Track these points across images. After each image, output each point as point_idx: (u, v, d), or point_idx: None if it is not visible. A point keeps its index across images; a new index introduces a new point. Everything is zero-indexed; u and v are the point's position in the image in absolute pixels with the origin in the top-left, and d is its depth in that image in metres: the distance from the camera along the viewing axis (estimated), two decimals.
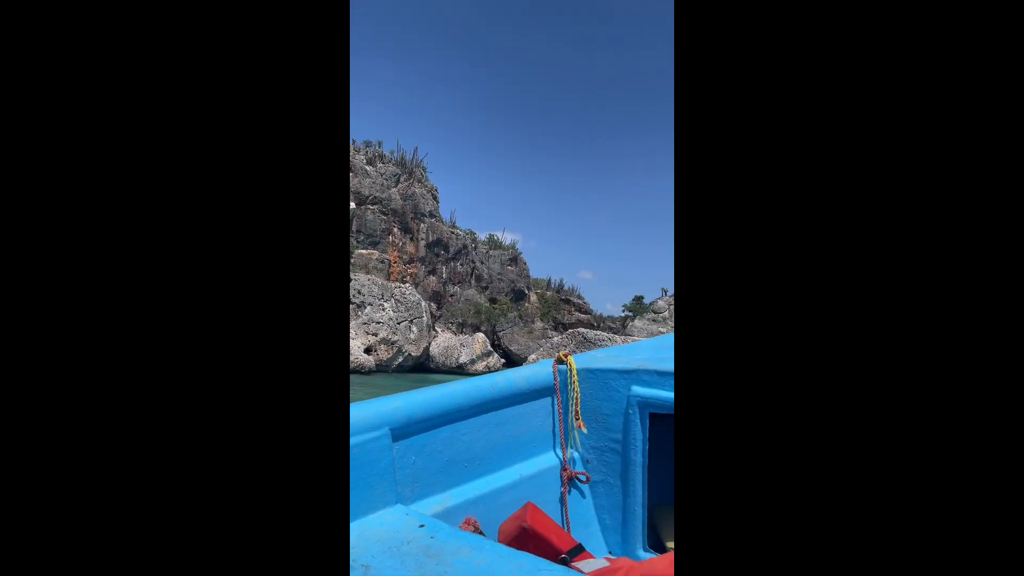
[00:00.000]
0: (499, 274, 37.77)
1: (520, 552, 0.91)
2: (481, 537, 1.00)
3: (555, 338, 17.66)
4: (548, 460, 1.63)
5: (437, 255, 25.53)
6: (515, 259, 37.82)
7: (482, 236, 39.24)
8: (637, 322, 26.48)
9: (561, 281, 44.04)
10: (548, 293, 41.76)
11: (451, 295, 33.21)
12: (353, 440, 1.10)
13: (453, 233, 33.27)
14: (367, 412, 1.15)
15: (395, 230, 23.97)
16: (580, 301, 42.04)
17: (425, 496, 1.26)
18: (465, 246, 34.84)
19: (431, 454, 1.27)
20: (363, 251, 22.66)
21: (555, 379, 1.68)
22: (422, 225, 25.20)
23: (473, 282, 35.90)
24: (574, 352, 2.10)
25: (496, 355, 20.07)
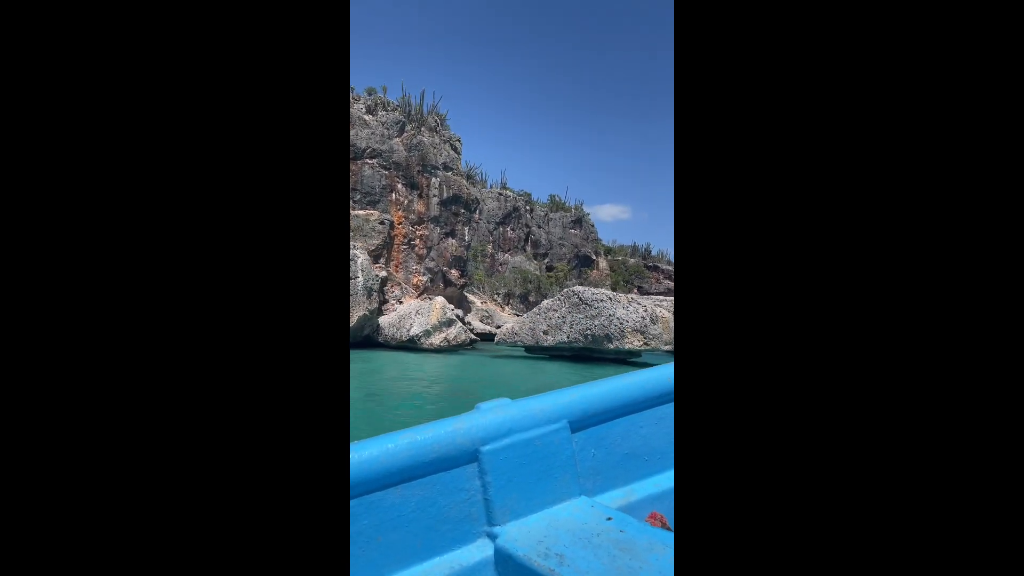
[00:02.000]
0: (560, 239, 33.93)
1: None
2: (673, 534, 0.97)
3: (545, 301, 13.77)
4: None
5: (456, 214, 22.42)
6: (579, 221, 33.68)
7: (542, 199, 35.36)
8: None
9: (648, 246, 39.04)
10: (632, 260, 37.13)
11: (501, 264, 30.09)
12: (535, 432, 1.10)
13: (483, 190, 29.91)
14: (545, 404, 1.14)
15: (398, 186, 21.20)
16: (671, 267, 36.83)
17: (608, 489, 1.18)
18: (516, 208, 31.37)
19: (610, 447, 1.20)
20: (360, 212, 20.26)
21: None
22: (434, 179, 22.11)
23: (529, 248, 32.47)
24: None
25: (460, 325, 16.45)
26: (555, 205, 34.06)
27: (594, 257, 33.48)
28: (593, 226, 34.49)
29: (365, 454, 0.95)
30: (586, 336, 12.87)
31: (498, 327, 19.95)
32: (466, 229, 23.10)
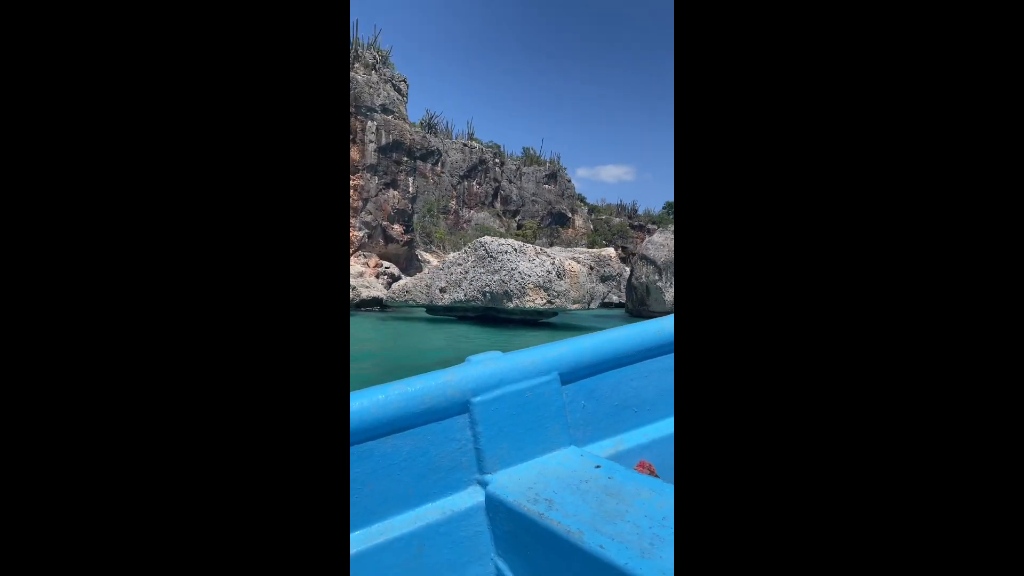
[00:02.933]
0: (533, 195, 31.73)
1: None
2: (660, 480, 1.01)
3: (451, 254, 11.85)
4: None
5: (398, 163, 20.31)
6: (554, 176, 31.40)
7: (515, 153, 33.01)
8: (657, 236, 19.27)
9: (635, 204, 36.71)
10: (616, 220, 34.89)
11: (466, 221, 28.10)
12: (525, 384, 1.12)
13: (446, 141, 27.67)
14: (535, 357, 1.15)
15: None
16: (656, 228, 34.55)
17: (597, 439, 1.21)
18: (484, 161, 29.13)
19: (600, 398, 1.22)
20: None
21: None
22: (370, 123, 19.94)
23: (498, 204, 30.37)
24: None
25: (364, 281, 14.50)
26: (529, 159, 31.77)
27: (570, 215, 31.31)
28: (570, 181, 32.19)
29: (356, 404, 0.96)
30: (484, 294, 11.00)
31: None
32: (410, 179, 21.03)
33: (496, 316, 11.51)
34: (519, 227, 28.70)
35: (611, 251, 11.66)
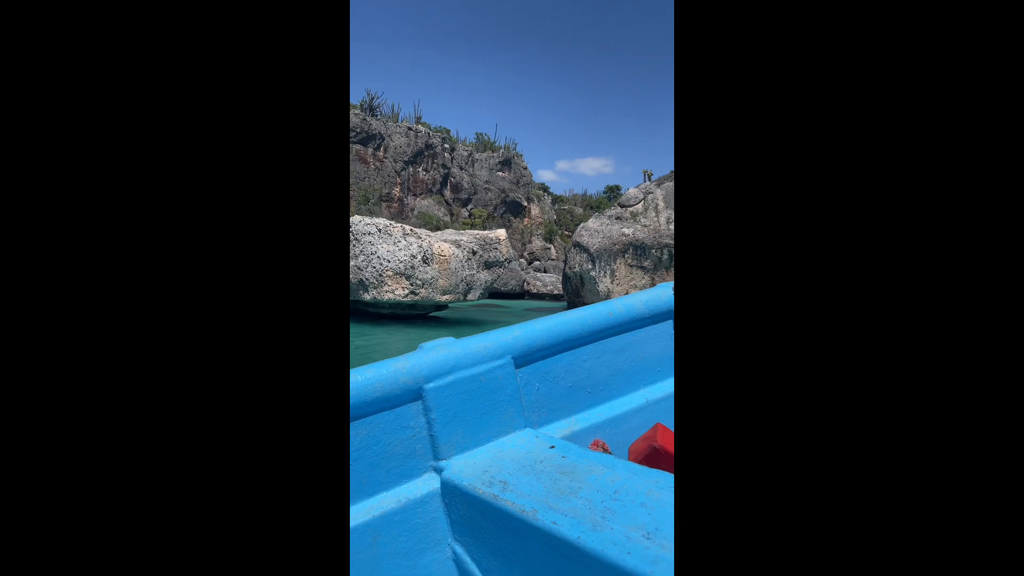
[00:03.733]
0: (486, 183, 30.19)
1: (653, 469, 0.91)
2: (612, 456, 1.00)
3: None
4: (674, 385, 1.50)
5: None
6: (508, 162, 29.89)
7: (468, 139, 31.44)
8: (592, 222, 17.83)
9: (615, 189, 35.23)
10: (579, 210, 33.41)
11: (411, 209, 26.56)
12: (479, 368, 1.11)
13: (389, 124, 26.04)
14: (488, 341, 1.15)
15: None
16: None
17: (552, 421, 1.22)
18: (430, 145, 27.57)
19: (554, 381, 1.23)
20: None
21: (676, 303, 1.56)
22: None
23: (448, 192, 28.84)
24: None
25: None
26: (482, 144, 30.22)
27: (525, 203, 29.82)
28: (526, 168, 30.69)
29: None
30: None
31: None
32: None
33: (364, 311, 10.00)
34: (469, 216, 27.22)
35: (500, 233, 10.16)
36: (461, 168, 28.73)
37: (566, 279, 18.80)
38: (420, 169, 27.11)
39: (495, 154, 29.72)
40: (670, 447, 1.10)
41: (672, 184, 17.54)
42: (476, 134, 30.91)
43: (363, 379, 0.99)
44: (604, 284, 17.37)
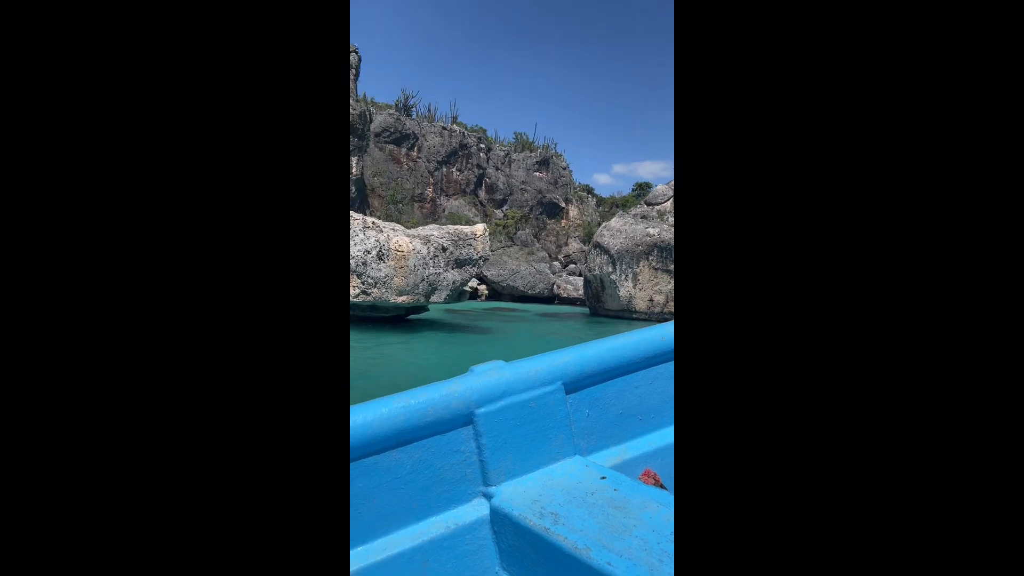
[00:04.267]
0: (523, 183, 29.27)
1: None
2: (666, 491, 1.00)
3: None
4: None
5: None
6: (546, 163, 28.88)
7: (508, 139, 30.70)
8: (615, 221, 16.57)
9: (645, 187, 33.63)
10: (619, 211, 31.91)
11: (442, 210, 26.06)
12: (530, 394, 1.10)
13: (423, 124, 25.63)
14: (539, 366, 1.13)
15: None
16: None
17: (602, 448, 1.18)
18: (464, 145, 27.03)
19: (604, 407, 1.20)
20: None
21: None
22: None
23: (483, 192, 28.14)
24: None
25: None
26: (520, 144, 29.38)
27: (563, 204, 28.70)
28: (566, 168, 29.59)
29: (360, 419, 0.95)
30: None
31: None
32: (353, 160, 19.21)
33: None
34: (504, 216, 26.43)
35: (478, 228, 9.23)
36: (497, 168, 28.02)
37: (587, 283, 17.48)
38: (454, 169, 26.62)
39: (533, 154, 28.79)
40: None
41: None
42: (515, 134, 30.08)
43: (416, 403, 0.99)
44: (625, 289, 16.08)
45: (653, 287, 15.55)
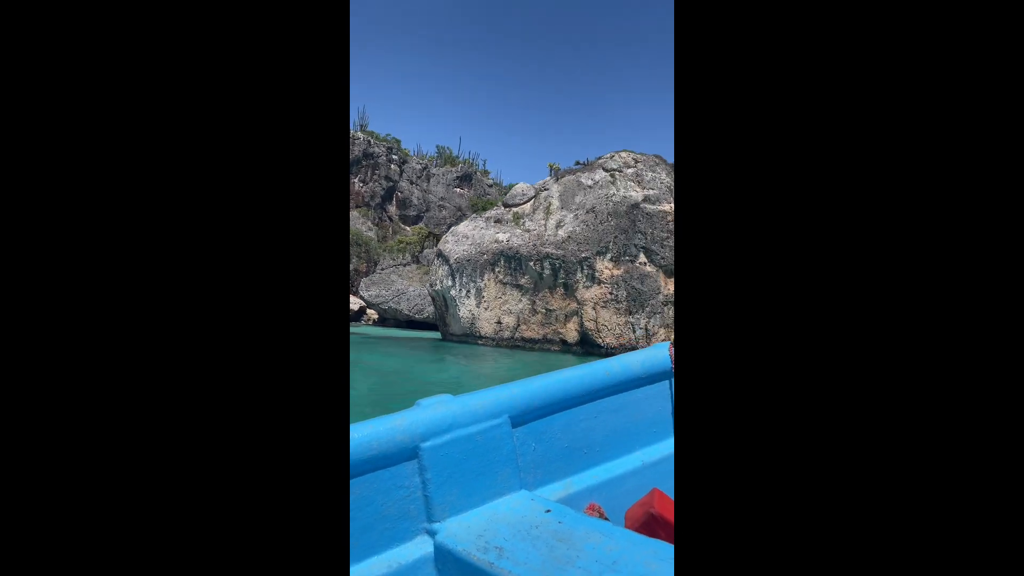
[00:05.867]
0: (442, 199, 26.65)
1: (651, 539, 0.92)
2: (610, 523, 1.01)
3: None
4: (671, 446, 1.44)
5: None
6: (468, 178, 26.30)
7: (430, 152, 28.23)
8: (463, 225, 13.70)
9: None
10: None
11: None
12: (475, 428, 1.10)
13: None
14: (486, 399, 1.14)
15: None
16: None
17: (548, 482, 1.20)
18: (370, 155, 24.53)
19: (550, 441, 1.21)
20: None
21: (672, 362, 1.54)
22: None
23: (393, 207, 25.52)
24: None
25: None
26: (443, 158, 26.87)
27: None
28: (493, 184, 26.93)
29: None
30: None
31: None
32: None
33: None
34: (411, 233, 23.71)
35: None
36: (412, 183, 25.46)
37: (433, 301, 14.30)
38: (356, 180, 24.08)
39: (455, 168, 26.21)
40: (668, 515, 1.09)
41: (572, 179, 12.95)
42: (437, 147, 27.59)
43: (360, 436, 0.96)
44: (467, 308, 12.74)
45: (501, 306, 12.33)
